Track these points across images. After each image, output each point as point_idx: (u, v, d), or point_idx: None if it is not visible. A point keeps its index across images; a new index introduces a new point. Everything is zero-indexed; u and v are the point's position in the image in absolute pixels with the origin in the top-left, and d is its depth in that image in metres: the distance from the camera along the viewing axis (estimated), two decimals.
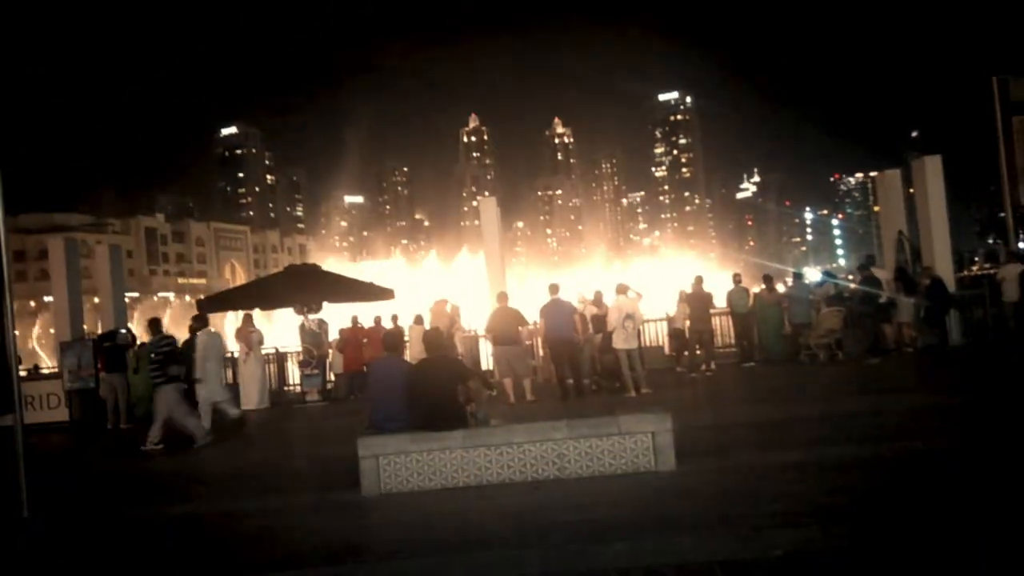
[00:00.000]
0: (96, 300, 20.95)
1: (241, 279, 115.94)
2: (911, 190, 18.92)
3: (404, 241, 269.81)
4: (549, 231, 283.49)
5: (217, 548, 5.65)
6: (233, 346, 17.67)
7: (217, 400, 12.44)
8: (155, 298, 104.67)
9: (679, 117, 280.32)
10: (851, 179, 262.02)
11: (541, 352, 16.26)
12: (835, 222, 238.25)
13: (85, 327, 18.43)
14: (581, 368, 13.39)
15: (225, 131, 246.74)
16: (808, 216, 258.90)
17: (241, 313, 17.77)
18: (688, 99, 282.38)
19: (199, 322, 13.13)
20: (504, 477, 6.67)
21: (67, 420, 15.74)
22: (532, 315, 14.19)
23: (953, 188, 18.51)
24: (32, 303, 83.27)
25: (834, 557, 4.20)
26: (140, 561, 5.47)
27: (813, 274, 23.40)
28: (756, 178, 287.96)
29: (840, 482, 5.84)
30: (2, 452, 7.47)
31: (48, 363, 34.94)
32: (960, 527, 4.56)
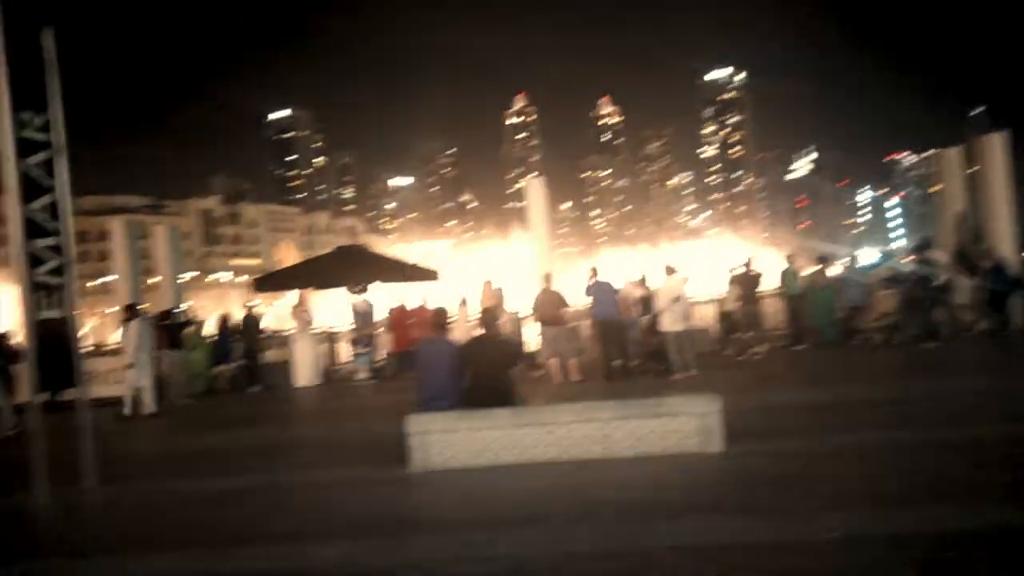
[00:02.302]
0: (154, 280, 21.59)
1: (293, 260, 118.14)
2: (973, 169, 18.24)
3: (451, 223, 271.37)
4: (596, 212, 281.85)
5: (271, 517, 5.82)
6: (288, 324, 18.09)
7: (141, 386, 12.83)
8: (211, 278, 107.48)
9: (730, 95, 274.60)
10: (910, 158, 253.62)
11: (588, 333, 16.22)
12: (893, 202, 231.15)
13: (147, 306, 19.04)
14: (628, 350, 13.33)
15: (277, 114, 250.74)
16: (864, 196, 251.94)
17: (294, 292, 18.16)
18: (740, 76, 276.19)
19: (131, 312, 13.42)
20: (550, 456, 6.71)
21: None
22: (575, 297, 14.19)
23: (1018, 167, 17.81)
24: (94, 283, 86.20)
25: (887, 541, 4.13)
26: (197, 528, 5.67)
27: (869, 255, 22.80)
28: (810, 157, 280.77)
29: (895, 466, 5.72)
30: (68, 425, 7.80)
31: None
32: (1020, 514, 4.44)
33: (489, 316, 8.24)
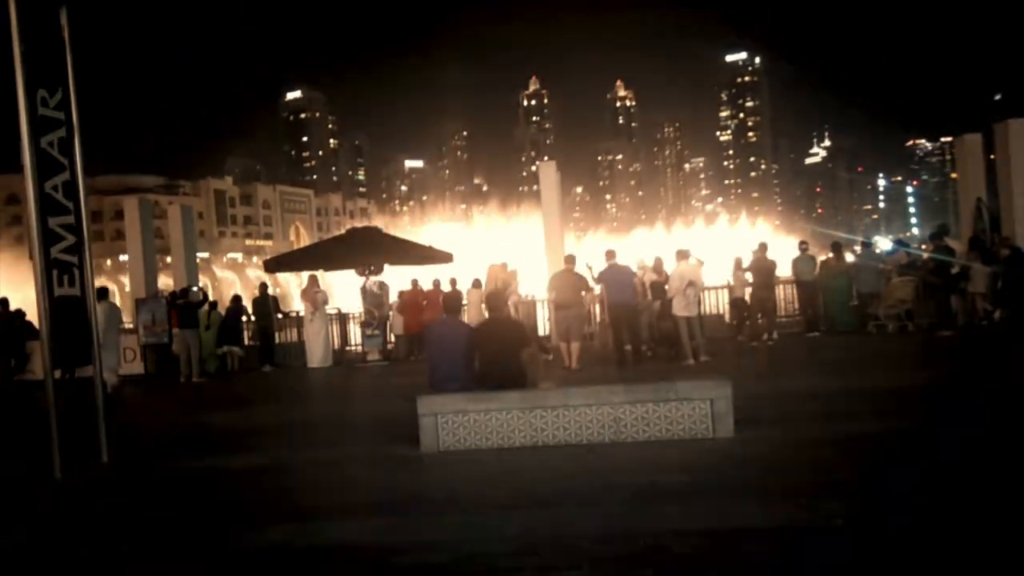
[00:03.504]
0: (169, 259, 21.73)
1: (305, 241, 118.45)
2: (992, 156, 17.99)
3: (463, 206, 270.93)
4: (609, 197, 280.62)
5: (283, 495, 5.87)
6: (299, 306, 18.18)
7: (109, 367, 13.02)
8: (224, 258, 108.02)
9: (747, 79, 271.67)
10: (928, 144, 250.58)
11: (598, 318, 16.21)
12: (909, 189, 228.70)
13: (164, 285, 19.18)
14: (640, 334, 13.29)
15: (290, 95, 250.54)
16: (881, 183, 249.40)
17: (306, 274, 18.23)
18: (757, 60, 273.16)
19: (100, 294, 13.73)
20: (560, 439, 6.73)
21: (142, 373, 16.50)
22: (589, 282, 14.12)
23: None
24: (108, 262, 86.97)
25: (896, 527, 4.12)
26: (209, 504, 5.74)
27: (884, 243, 22.61)
28: (827, 143, 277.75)
29: (906, 455, 5.69)
30: (83, 401, 7.89)
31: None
32: None
33: (496, 298, 8.23)
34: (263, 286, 18.23)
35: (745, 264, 15.84)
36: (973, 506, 4.44)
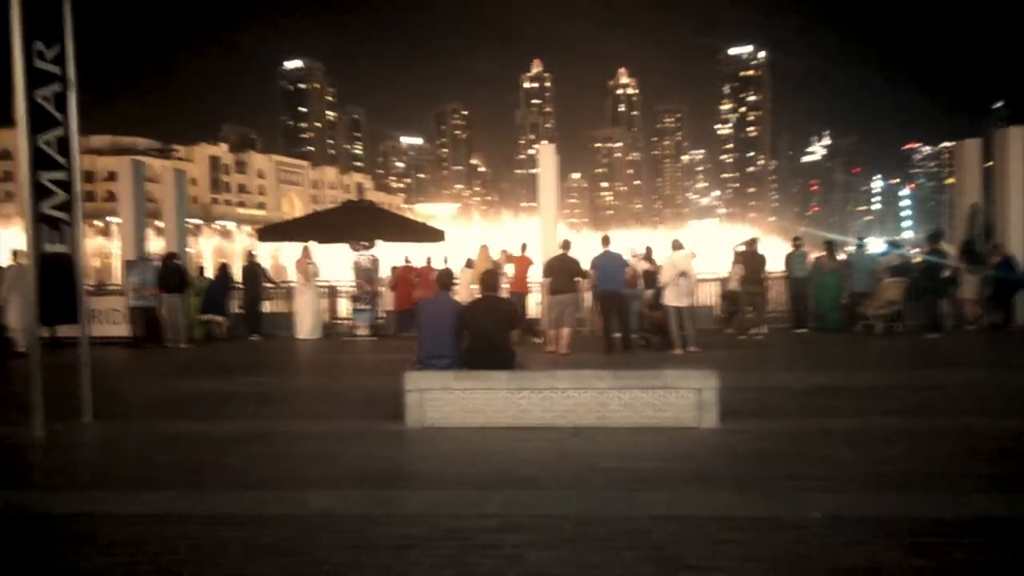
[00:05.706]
0: (160, 223, 21.55)
1: (299, 213, 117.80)
2: (990, 163, 18.04)
3: (459, 186, 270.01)
4: (605, 184, 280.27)
5: (262, 463, 5.86)
6: (292, 276, 18.08)
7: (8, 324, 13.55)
8: (216, 226, 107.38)
9: (750, 73, 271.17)
10: (926, 148, 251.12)
11: (589, 304, 16.21)
12: (905, 192, 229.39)
13: (156, 250, 19.02)
14: (629, 322, 13.30)
15: (289, 64, 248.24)
16: (877, 184, 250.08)
17: (299, 245, 18.12)
18: (761, 54, 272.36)
19: (15, 257, 14.17)
20: (545, 421, 6.73)
21: (129, 336, 16.39)
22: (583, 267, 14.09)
23: None
24: (99, 222, 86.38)
25: (871, 523, 4.15)
26: (189, 468, 5.72)
27: (877, 244, 22.69)
28: (826, 141, 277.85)
29: (888, 452, 5.73)
30: (68, 361, 7.85)
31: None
32: (1013, 505, 4.45)
33: (488, 278, 8.21)
34: (250, 255, 18.12)
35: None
36: (960, 500, 4.47)
